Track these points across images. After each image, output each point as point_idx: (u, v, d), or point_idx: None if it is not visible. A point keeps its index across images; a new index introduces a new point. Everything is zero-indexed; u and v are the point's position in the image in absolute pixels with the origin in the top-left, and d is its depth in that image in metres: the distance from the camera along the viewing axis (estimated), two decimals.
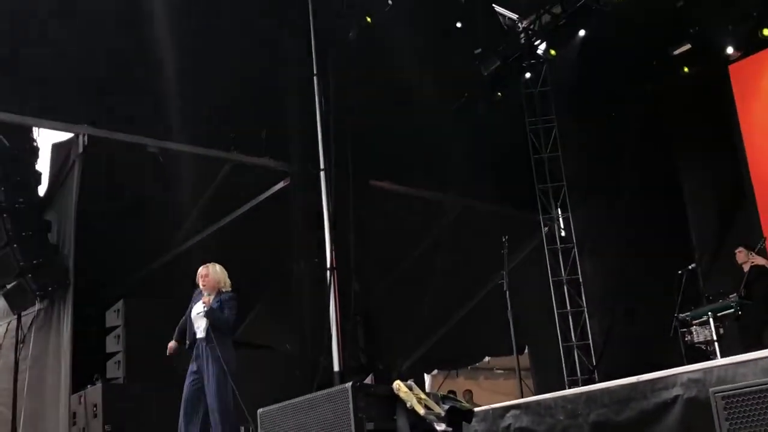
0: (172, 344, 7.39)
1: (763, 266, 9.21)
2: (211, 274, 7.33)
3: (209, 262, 7.43)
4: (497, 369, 15.41)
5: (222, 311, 7.18)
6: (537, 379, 12.76)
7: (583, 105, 12.49)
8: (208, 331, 7.16)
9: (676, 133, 12.29)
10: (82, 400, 9.13)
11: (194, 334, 7.22)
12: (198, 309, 7.26)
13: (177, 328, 7.44)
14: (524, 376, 12.86)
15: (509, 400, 5.20)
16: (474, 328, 12.86)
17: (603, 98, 12.17)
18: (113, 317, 9.43)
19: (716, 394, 2.63)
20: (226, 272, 7.46)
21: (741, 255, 9.41)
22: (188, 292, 9.66)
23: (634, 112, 12.08)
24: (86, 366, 9.53)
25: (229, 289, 7.40)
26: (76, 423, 9.19)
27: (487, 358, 14.45)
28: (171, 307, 9.94)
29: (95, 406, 8.95)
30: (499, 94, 12.69)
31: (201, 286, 7.28)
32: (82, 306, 9.86)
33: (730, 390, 2.60)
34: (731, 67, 11.55)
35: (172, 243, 11.73)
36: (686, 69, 11.92)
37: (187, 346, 7.30)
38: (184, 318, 7.40)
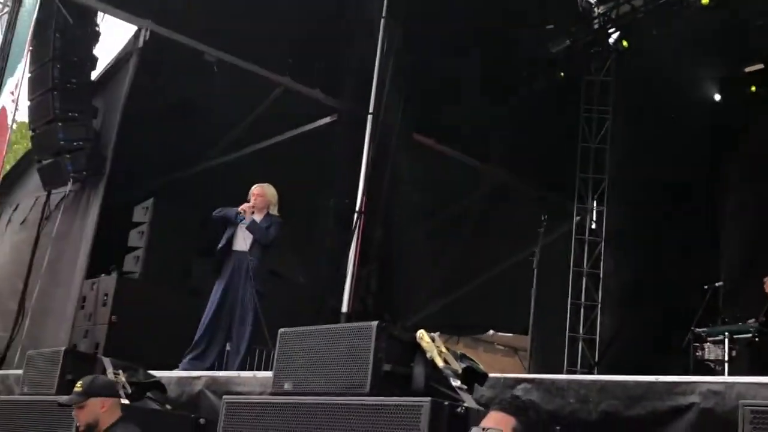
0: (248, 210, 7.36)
1: None
2: (267, 194, 7.42)
3: (263, 183, 7.53)
4: (498, 344, 15.45)
5: (268, 231, 7.24)
6: (535, 362, 12.79)
7: (642, 102, 12.32)
8: (252, 246, 7.21)
9: (728, 150, 12.13)
10: (95, 287, 9.28)
11: (233, 244, 7.25)
12: (244, 221, 7.31)
13: (221, 209, 7.43)
14: (522, 357, 12.95)
15: None
16: (486, 300, 12.88)
17: (664, 99, 11.99)
18: (141, 213, 9.52)
19: (745, 407, 2.61)
20: (277, 196, 7.53)
21: None
22: (218, 204, 9.74)
23: (692, 121, 11.90)
24: (104, 256, 9.66)
25: (277, 214, 7.48)
26: (84, 308, 9.35)
27: (491, 332, 14.48)
28: (198, 215, 10.09)
29: (106, 295, 9.11)
30: (562, 74, 12.54)
31: (252, 203, 7.35)
32: (112, 196, 9.95)
33: (760, 406, 2.59)
34: None
35: (209, 154, 11.78)
36: (753, 89, 11.73)
37: (218, 249, 7.34)
38: (228, 212, 7.34)
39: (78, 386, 4.51)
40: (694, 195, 11.83)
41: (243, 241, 7.35)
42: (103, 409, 4.41)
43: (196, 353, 7.24)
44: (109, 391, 4.54)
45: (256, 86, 11.16)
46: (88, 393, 4.44)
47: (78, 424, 4.47)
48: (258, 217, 7.43)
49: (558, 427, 3.56)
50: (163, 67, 10.48)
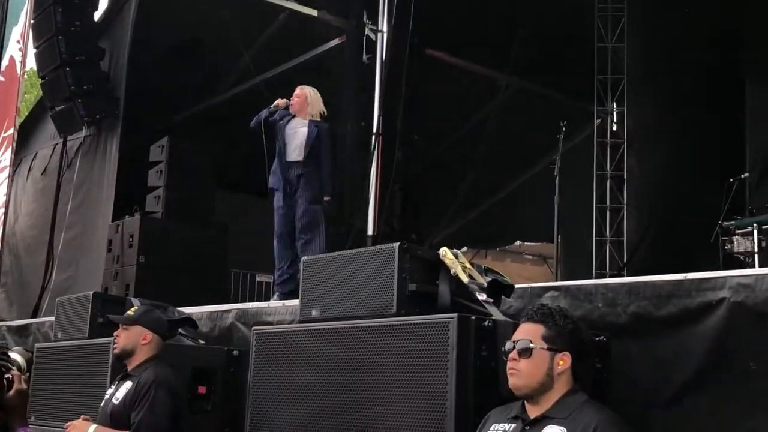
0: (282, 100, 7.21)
1: None
2: (305, 95, 7.19)
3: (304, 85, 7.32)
4: (526, 254, 15.50)
5: (320, 139, 7.04)
6: (564, 268, 12.78)
7: None
8: (309, 154, 7.04)
9: (749, 44, 11.77)
10: (120, 229, 9.33)
11: (286, 154, 7.07)
12: (294, 129, 7.09)
13: (255, 119, 7.24)
14: (551, 264, 12.96)
15: None
16: (510, 211, 12.85)
17: None
18: (157, 152, 9.49)
19: None
20: (321, 102, 7.29)
21: None
22: (234, 135, 9.67)
23: (710, 13, 11.54)
24: (127, 197, 9.70)
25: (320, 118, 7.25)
26: (112, 251, 9.42)
27: (518, 242, 14.50)
28: (213, 148, 10.07)
29: (132, 236, 9.15)
30: None
31: (290, 107, 7.17)
32: (128, 138, 9.93)
33: None
34: None
35: (220, 87, 11.70)
36: None
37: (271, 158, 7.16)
38: (260, 115, 7.21)
39: (131, 310, 4.56)
40: (715, 90, 11.55)
41: (293, 148, 7.15)
42: (144, 341, 4.43)
43: (280, 279, 7.19)
44: (157, 326, 4.51)
45: (261, 13, 10.98)
46: (137, 320, 4.47)
47: (115, 347, 4.50)
48: (301, 122, 7.19)
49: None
50: (164, 3, 10.30)
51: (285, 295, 6.96)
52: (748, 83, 11.81)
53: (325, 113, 7.43)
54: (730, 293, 3.55)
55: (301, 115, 7.24)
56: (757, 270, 3.94)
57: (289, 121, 7.24)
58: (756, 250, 8.38)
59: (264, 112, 7.27)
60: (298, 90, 7.34)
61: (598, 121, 12.78)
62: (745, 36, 11.71)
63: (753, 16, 11.40)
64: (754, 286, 3.49)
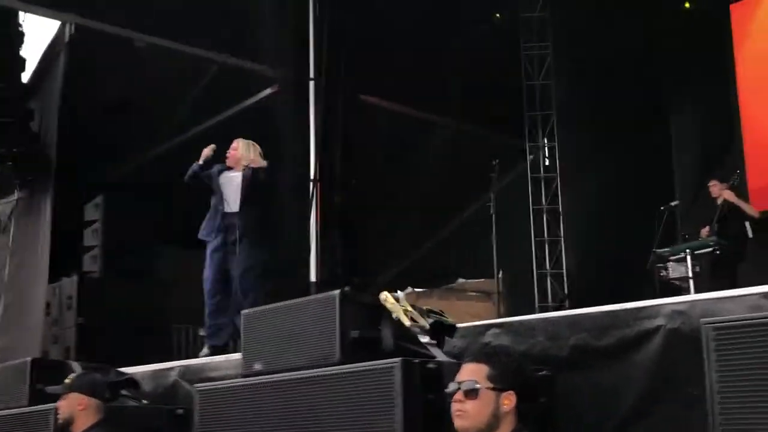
0: (210, 149, 7.17)
1: (733, 203, 9.33)
2: (239, 148, 7.22)
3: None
4: (470, 291, 15.54)
5: (258, 176, 7.04)
6: (508, 303, 12.88)
7: (580, 34, 12.32)
8: (245, 201, 7.01)
9: (670, 70, 12.20)
10: (57, 291, 9.15)
11: (222, 204, 7.02)
12: (230, 177, 7.09)
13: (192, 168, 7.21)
14: (495, 301, 13.05)
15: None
16: (452, 250, 12.94)
17: (601, 26, 11.97)
18: (92, 211, 9.38)
19: (706, 325, 2.63)
20: (259, 150, 7.28)
21: (715, 189, 9.55)
22: (168, 190, 9.62)
23: (633, 51, 11.92)
24: (63, 258, 9.52)
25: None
26: (50, 314, 9.22)
27: (460, 280, 14.56)
28: (149, 204, 9.97)
29: (70, 297, 8.98)
30: (498, 15, 12.49)
31: (227, 159, 7.18)
32: (62, 198, 9.78)
33: (721, 322, 2.61)
34: (732, 7, 11.42)
35: (154, 142, 11.61)
36: (687, 4, 11.77)
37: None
38: (192, 168, 7.19)
39: (67, 379, 4.47)
40: (642, 120, 11.89)
41: (229, 200, 7.13)
42: (80, 407, 4.34)
43: (209, 332, 7.09)
44: (91, 390, 4.42)
45: (192, 67, 10.97)
46: (71, 387, 4.39)
47: (58, 417, 4.41)
48: (236, 174, 7.19)
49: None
50: (93, 62, 10.24)
51: (214, 348, 6.91)
52: (672, 115, 12.21)
53: (263, 155, 7.43)
54: (666, 320, 3.61)
55: (237, 168, 7.26)
56: (691, 296, 4.04)
57: (222, 171, 7.25)
58: (690, 275, 8.59)
59: (195, 166, 7.26)
60: (234, 143, 7.38)
61: (531, 156, 13.02)
62: (666, 70, 12.13)
63: (671, 49, 11.83)
64: (689, 313, 3.56)
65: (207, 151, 7.27)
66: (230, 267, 7.08)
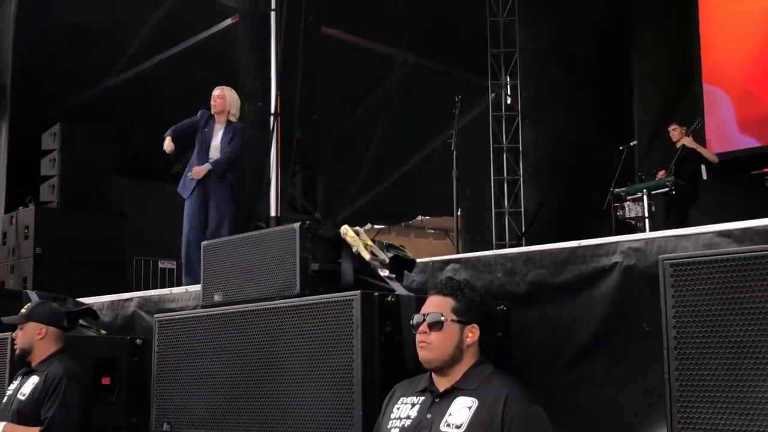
0: (169, 143, 7.18)
1: (692, 148, 9.47)
2: (227, 97, 7.27)
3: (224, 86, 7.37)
4: (429, 228, 15.67)
5: (232, 150, 7.18)
6: (465, 241, 13.01)
7: None
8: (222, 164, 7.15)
9: (633, 8, 12.16)
10: (14, 221, 9.04)
11: (204, 157, 7.13)
12: (216, 139, 7.17)
13: (173, 128, 7.25)
14: (453, 238, 13.17)
15: None
16: (412, 187, 12.97)
17: None
18: (49, 140, 9.22)
19: (665, 261, 2.68)
20: (239, 100, 7.37)
21: (675, 132, 9.66)
22: (126, 121, 9.47)
23: None
24: (20, 188, 9.38)
25: (236, 119, 7.36)
26: (6, 243, 9.13)
27: (420, 217, 14.64)
28: (107, 134, 9.83)
29: (27, 227, 8.89)
30: None
31: (212, 107, 7.19)
32: (18, 127, 9.61)
33: (679, 258, 2.66)
34: None
35: (112, 71, 11.38)
36: None
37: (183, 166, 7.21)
38: (186, 125, 7.25)
39: (24, 308, 4.44)
40: (605, 60, 11.90)
41: (211, 159, 7.20)
42: (39, 336, 4.32)
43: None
44: (49, 318, 4.39)
45: None
46: (28, 316, 4.36)
47: (15, 347, 4.39)
48: (219, 126, 7.27)
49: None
50: None
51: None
52: (634, 54, 12.23)
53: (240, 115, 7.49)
54: (622, 258, 3.68)
55: (222, 117, 7.24)
56: (647, 234, 4.09)
57: (208, 122, 7.24)
58: (646, 214, 8.73)
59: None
60: (218, 91, 7.33)
61: (493, 95, 13.01)
62: (629, 8, 12.10)
63: None
64: (644, 250, 3.62)
65: (167, 147, 7.20)
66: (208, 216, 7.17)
